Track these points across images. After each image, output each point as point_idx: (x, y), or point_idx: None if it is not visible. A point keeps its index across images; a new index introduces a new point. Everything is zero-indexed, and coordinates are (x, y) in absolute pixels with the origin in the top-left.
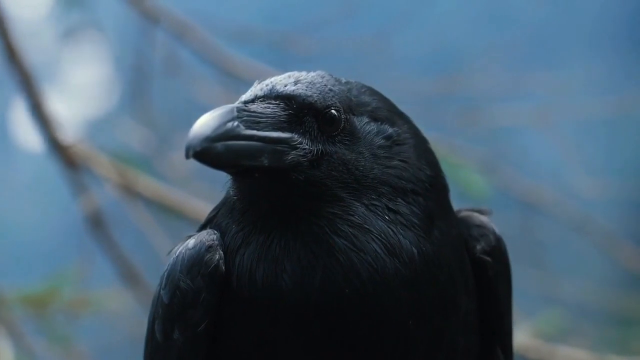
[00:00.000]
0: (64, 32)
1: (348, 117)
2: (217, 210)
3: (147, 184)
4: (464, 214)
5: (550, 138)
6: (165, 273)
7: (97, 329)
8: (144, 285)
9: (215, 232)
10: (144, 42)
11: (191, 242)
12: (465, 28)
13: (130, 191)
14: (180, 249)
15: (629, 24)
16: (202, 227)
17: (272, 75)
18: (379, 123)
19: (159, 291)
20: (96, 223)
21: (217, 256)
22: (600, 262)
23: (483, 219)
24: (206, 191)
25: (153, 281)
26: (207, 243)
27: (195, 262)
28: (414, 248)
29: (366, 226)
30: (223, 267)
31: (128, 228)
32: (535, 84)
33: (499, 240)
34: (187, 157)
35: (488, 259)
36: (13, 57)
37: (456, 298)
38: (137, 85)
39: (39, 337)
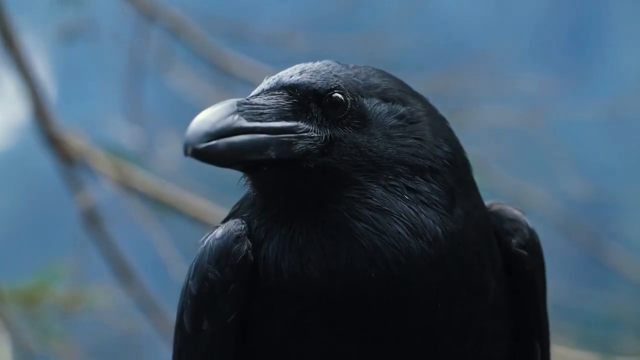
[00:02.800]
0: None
1: (356, 99)
2: (240, 204)
3: (142, 179)
4: (496, 207)
5: (539, 138)
6: (193, 263)
7: (91, 326)
8: (137, 283)
9: (243, 221)
10: (137, 38)
11: (219, 232)
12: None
13: (127, 187)
14: (207, 239)
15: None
16: (226, 221)
17: (267, 73)
18: (390, 103)
19: (187, 282)
20: (91, 219)
21: (245, 246)
22: (584, 263)
23: (516, 212)
24: (194, 188)
25: (147, 277)
26: (235, 233)
27: (224, 253)
28: (437, 227)
29: (386, 208)
30: (252, 257)
31: (122, 224)
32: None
33: (532, 233)
34: (186, 154)
35: (524, 252)
36: (11, 50)
37: (483, 279)
38: (129, 82)
39: (34, 333)
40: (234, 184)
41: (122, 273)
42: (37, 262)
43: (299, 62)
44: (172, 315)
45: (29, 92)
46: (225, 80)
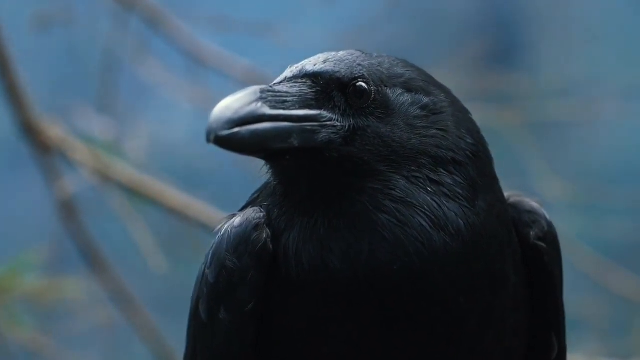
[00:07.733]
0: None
1: (379, 89)
2: (259, 193)
3: (121, 170)
4: (514, 199)
5: (519, 139)
6: (211, 252)
7: (64, 318)
8: (112, 274)
9: (262, 209)
10: (113, 28)
11: (237, 220)
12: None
13: (104, 177)
14: (226, 227)
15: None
16: (245, 209)
17: (243, 65)
18: (414, 93)
19: (204, 270)
20: (67, 209)
21: (265, 234)
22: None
23: (534, 204)
24: (163, 180)
25: (122, 269)
26: (254, 221)
27: (242, 241)
28: (460, 220)
29: (409, 200)
30: (271, 246)
31: (97, 214)
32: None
33: (550, 225)
34: (208, 141)
35: (543, 244)
36: None
37: (505, 271)
38: (103, 72)
39: (5, 323)
40: (203, 177)
41: (97, 264)
42: (9, 251)
43: (279, 55)
44: (147, 307)
45: (4, 79)
46: (200, 72)
